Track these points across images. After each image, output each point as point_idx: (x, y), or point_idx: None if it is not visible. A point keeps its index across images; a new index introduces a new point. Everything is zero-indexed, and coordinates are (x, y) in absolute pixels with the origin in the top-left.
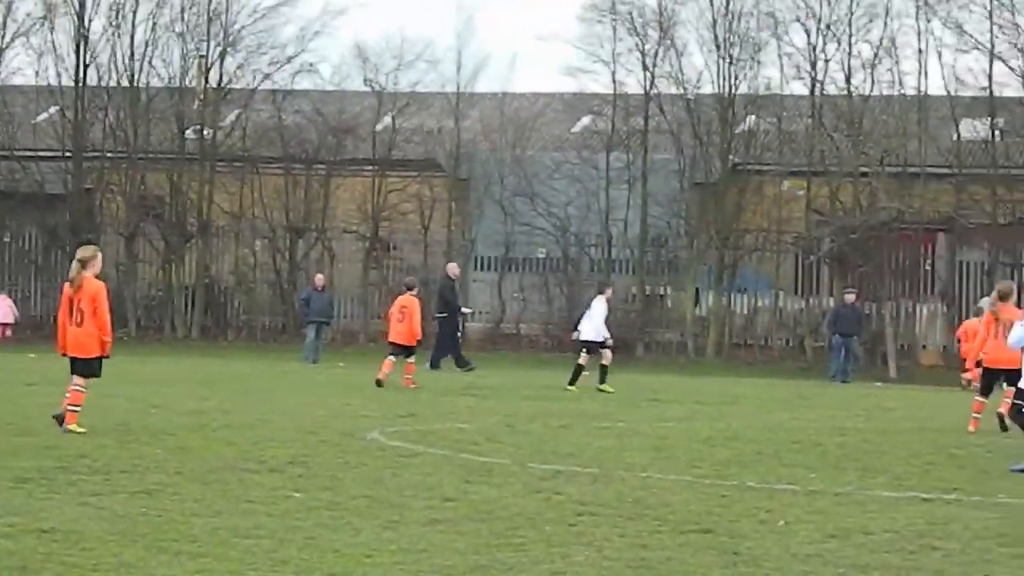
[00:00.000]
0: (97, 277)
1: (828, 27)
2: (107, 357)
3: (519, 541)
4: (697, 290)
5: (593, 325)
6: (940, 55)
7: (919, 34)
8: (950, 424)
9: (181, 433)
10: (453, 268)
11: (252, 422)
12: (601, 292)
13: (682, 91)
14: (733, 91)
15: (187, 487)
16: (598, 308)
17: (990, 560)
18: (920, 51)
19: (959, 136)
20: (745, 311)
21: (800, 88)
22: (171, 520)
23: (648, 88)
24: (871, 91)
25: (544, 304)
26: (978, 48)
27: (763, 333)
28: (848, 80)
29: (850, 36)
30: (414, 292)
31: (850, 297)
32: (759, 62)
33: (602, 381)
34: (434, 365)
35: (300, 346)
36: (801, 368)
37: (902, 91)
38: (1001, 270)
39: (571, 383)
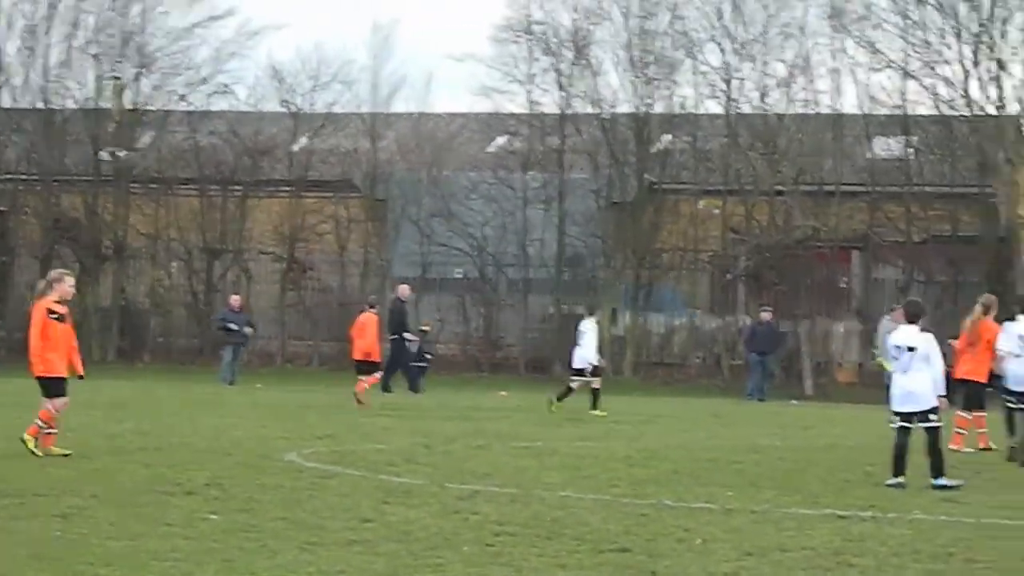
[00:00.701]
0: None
1: (743, 46)
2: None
3: (437, 562)
4: (614, 310)
5: (586, 349)
6: (854, 73)
7: (833, 53)
8: (866, 442)
9: (97, 456)
10: (404, 290)
11: (169, 444)
12: (591, 314)
13: (598, 111)
14: (648, 110)
15: (103, 510)
16: (590, 331)
17: None
18: (834, 70)
19: (873, 154)
20: (662, 330)
21: (715, 107)
22: (87, 543)
23: (564, 108)
24: (786, 110)
25: (461, 324)
26: (891, 66)
27: (680, 352)
28: (763, 99)
29: (764, 55)
30: (375, 310)
31: (766, 315)
32: (674, 81)
33: (594, 406)
34: (384, 388)
35: (217, 367)
36: (718, 386)
37: (817, 109)
38: (915, 287)
39: (593, 407)
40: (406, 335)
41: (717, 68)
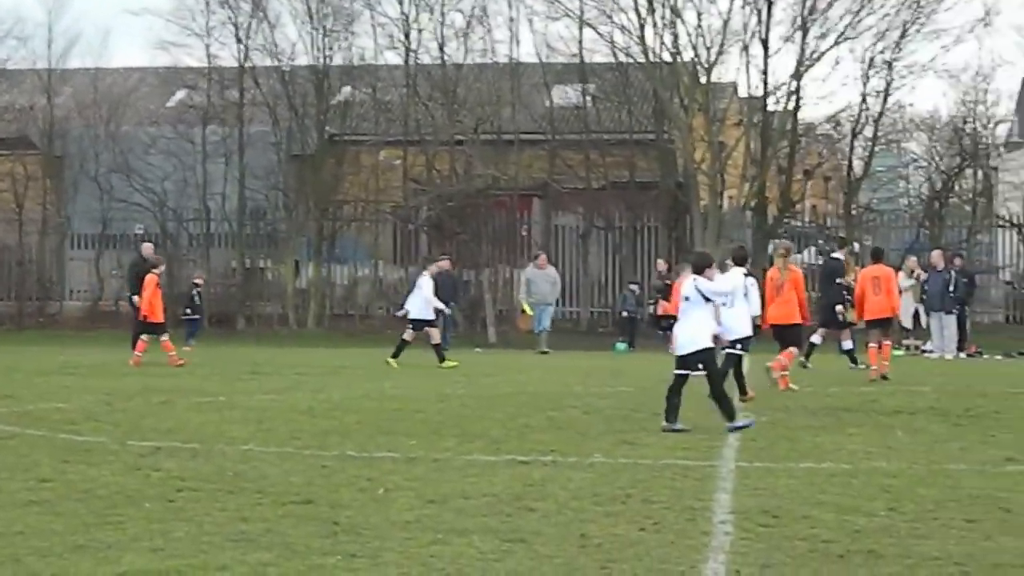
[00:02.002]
0: None
1: None
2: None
3: (118, 519)
4: (297, 262)
5: (421, 302)
6: (531, 23)
7: (510, 2)
8: (548, 388)
9: None
10: (147, 248)
11: None
12: (426, 268)
13: (277, 63)
14: (328, 62)
15: None
16: (426, 284)
17: (585, 519)
18: (511, 19)
19: (552, 103)
20: (345, 282)
21: (394, 58)
22: None
23: (243, 61)
24: (464, 59)
25: None
26: (568, 15)
27: (363, 303)
28: (442, 49)
29: (443, 5)
30: (158, 271)
31: (444, 264)
32: (353, 33)
33: (441, 359)
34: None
35: None
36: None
37: (495, 59)
38: (595, 234)
39: (394, 356)
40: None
41: (395, 19)
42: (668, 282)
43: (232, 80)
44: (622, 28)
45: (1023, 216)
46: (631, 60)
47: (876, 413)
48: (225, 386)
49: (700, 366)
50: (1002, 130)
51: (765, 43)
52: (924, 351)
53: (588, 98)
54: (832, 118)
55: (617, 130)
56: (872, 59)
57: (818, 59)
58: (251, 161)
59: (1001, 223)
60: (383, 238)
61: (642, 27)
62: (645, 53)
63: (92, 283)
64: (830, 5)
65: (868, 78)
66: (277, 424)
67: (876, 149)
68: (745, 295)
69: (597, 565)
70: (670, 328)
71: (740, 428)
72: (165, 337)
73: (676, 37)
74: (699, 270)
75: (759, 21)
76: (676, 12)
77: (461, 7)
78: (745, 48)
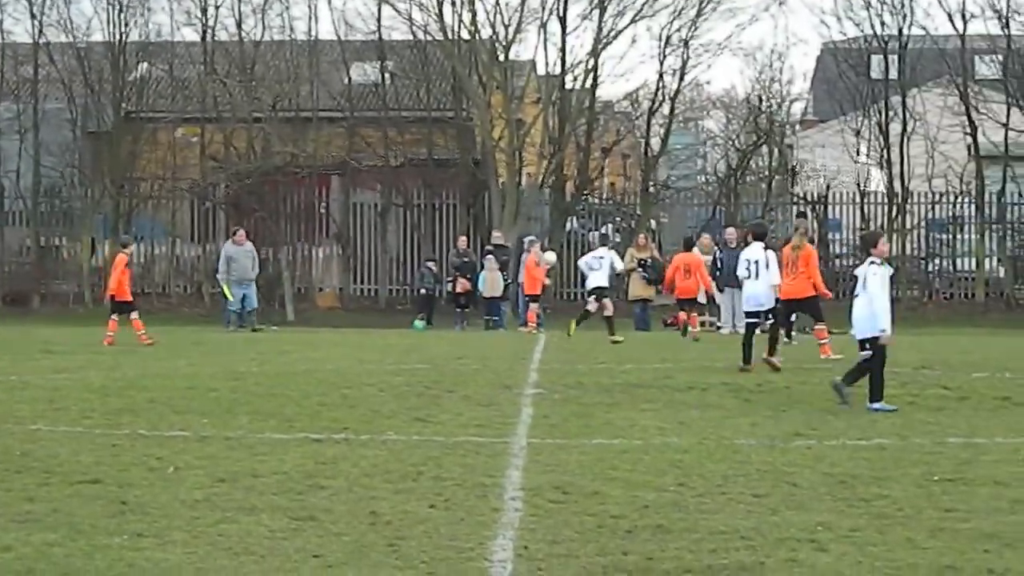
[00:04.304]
0: None
1: None
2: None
3: None
4: (93, 240)
5: (607, 271)
6: (329, 0)
7: None
8: (344, 366)
9: None
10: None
11: None
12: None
13: (72, 39)
14: (124, 39)
15: None
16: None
17: (375, 496)
18: None
19: (350, 80)
20: (142, 259)
21: (192, 35)
22: None
23: (37, 37)
24: (262, 37)
25: None
26: None
27: (161, 280)
28: (239, 26)
29: None
30: (128, 250)
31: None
32: (150, 9)
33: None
34: None
35: None
36: (200, 314)
37: (293, 36)
38: (394, 211)
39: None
40: None
41: None
42: (466, 259)
43: (26, 56)
44: (420, 6)
45: (817, 194)
46: (429, 38)
47: (669, 389)
48: (16, 365)
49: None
50: (797, 108)
51: (563, 21)
52: (717, 327)
53: (386, 76)
54: (630, 96)
55: (415, 108)
56: (669, 37)
57: (615, 37)
58: (46, 138)
59: (796, 200)
60: (180, 215)
61: (440, 5)
62: (443, 31)
63: None
64: None
65: (665, 56)
66: (68, 403)
67: (673, 127)
68: (767, 267)
69: (386, 542)
70: (467, 305)
71: (884, 411)
72: (135, 315)
73: (474, 15)
74: (872, 244)
75: None
76: None
77: None
78: (543, 26)
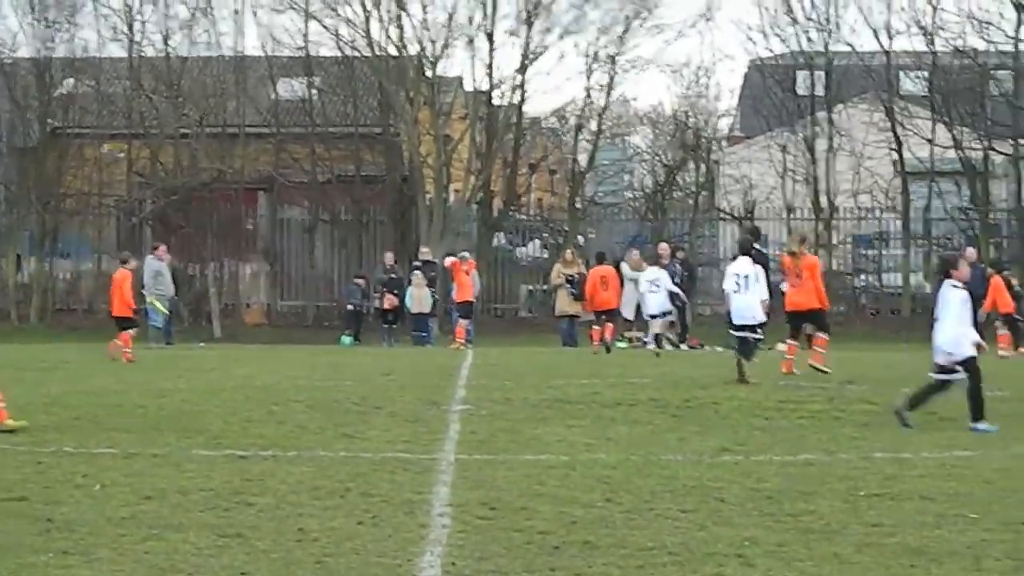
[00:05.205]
0: None
1: None
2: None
3: None
4: (19, 256)
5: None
6: (256, 15)
7: None
8: (272, 381)
9: None
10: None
11: None
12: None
13: None
14: (50, 54)
15: None
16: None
17: (303, 513)
18: (236, 11)
19: (277, 96)
20: (68, 276)
21: (118, 50)
22: None
23: None
24: (189, 52)
25: None
26: (293, 8)
27: (87, 297)
28: (166, 42)
29: None
30: (128, 266)
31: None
32: (76, 24)
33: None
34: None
35: None
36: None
37: (220, 52)
38: (321, 227)
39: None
40: None
41: (119, 10)
42: (394, 275)
43: None
44: (347, 21)
45: (743, 209)
46: (357, 54)
47: (597, 405)
48: None
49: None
50: (724, 124)
51: (490, 37)
52: (645, 342)
53: (314, 91)
54: (557, 112)
55: (343, 123)
56: (596, 53)
57: (543, 53)
58: None
59: (723, 216)
60: (107, 231)
61: (367, 20)
62: (371, 46)
63: None
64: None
65: (592, 72)
66: None
67: (600, 143)
68: (756, 280)
69: (314, 559)
70: (395, 321)
71: (984, 432)
72: (131, 332)
73: (401, 31)
74: (952, 267)
75: (484, 15)
76: (401, 5)
77: None
78: (470, 42)
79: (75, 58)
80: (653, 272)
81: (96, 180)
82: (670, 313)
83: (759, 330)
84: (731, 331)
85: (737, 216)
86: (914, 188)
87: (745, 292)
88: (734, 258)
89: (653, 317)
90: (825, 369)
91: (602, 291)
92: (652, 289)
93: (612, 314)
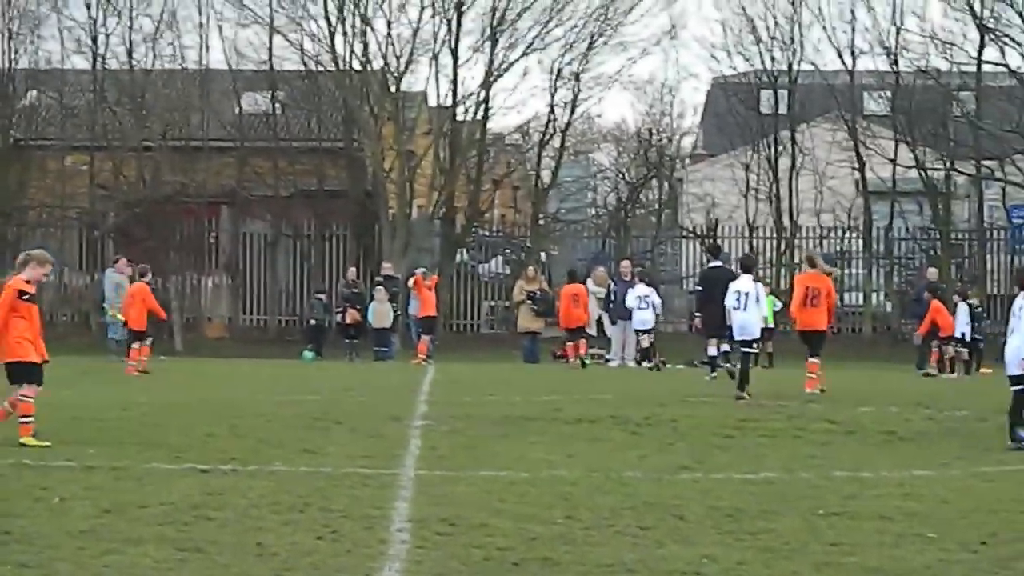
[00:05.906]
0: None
1: (109, 1)
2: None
3: None
4: None
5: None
6: (221, 29)
7: (200, 8)
8: (233, 396)
9: None
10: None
11: None
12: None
13: None
14: (13, 66)
15: None
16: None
17: (262, 528)
18: (201, 25)
19: (241, 109)
20: None
21: (82, 63)
22: None
23: None
24: (153, 65)
25: None
26: (258, 22)
27: (48, 310)
28: (130, 54)
29: (131, 10)
30: (146, 279)
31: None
32: (39, 36)
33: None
34: None
35: None
36: (87, 344)
37: (184, 65)
38: (284, 241)
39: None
40: None
41: (83, 23)
42: (356, 290)
43: None
44: (312, 36)
45: (706, 227)
46: (321, 68)
47: (558, 422)
48: None
49: None
50: (687, 142)
51: (455, 53)
52: (606, 359)
53: (277, 105)
54: (521, 128)
55: (306, 138)
56: (560, 70)
57: (507, 69)
58: None
59: (685, 234)
60: (69, 244)
61: (332, 35)
62: (335, 61)
63: None
64: (519, 16)
65: (556, 89)
66: None
67: (564, 159)
68: (756, 300)
69: (273, 574)
70: (357, 336)
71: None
72: (138, 345)
73: (366, 46)
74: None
75: (449, 31)
76: (366, 21)
77: (150, 12)
78: (435, 57)
79: (39, 70)
80: (642, 289)
81: (59, 192)
82: (653, 330)
83: (755, 345)
84: (734, 346)
85: (700, 234)
86: (876, 208)
87: (745, 309)
88: (734, 276)
89: (640, 333)
90: (820, 390)
91: (574, 308)
92: (641, 305)
93: (581, 331)
